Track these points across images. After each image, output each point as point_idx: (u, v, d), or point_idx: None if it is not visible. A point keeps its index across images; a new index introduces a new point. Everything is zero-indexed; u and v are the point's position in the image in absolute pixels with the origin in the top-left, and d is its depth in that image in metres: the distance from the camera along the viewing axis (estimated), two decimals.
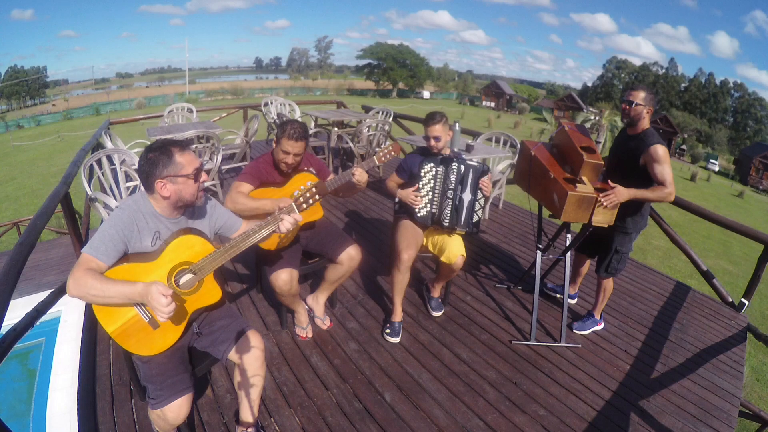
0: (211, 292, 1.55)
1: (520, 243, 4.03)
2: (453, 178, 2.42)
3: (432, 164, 2.44)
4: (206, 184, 4.32)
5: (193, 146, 4.28)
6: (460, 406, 2.08)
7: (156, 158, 1.40)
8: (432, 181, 2.45)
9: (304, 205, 1.62)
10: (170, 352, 1.52)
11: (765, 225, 19.92)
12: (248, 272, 3.14)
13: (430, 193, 2.45)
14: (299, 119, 6.63)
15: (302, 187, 1.63)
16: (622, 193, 2.18)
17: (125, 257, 1.44)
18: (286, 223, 1.56)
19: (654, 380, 2.38)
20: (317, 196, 1.63)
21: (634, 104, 2.26)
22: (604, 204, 2.18)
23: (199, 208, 1.63)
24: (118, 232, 1.39)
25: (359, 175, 2.13)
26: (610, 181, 2.23)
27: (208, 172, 4.40)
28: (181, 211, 1.55)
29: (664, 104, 61.45)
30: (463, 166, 2.41)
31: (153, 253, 1.45)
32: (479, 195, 2.44)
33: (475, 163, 2.44)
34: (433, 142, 2.45)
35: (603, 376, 2.36)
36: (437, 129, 2.42)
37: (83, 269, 1.31)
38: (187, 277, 1.46)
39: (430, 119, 2.44)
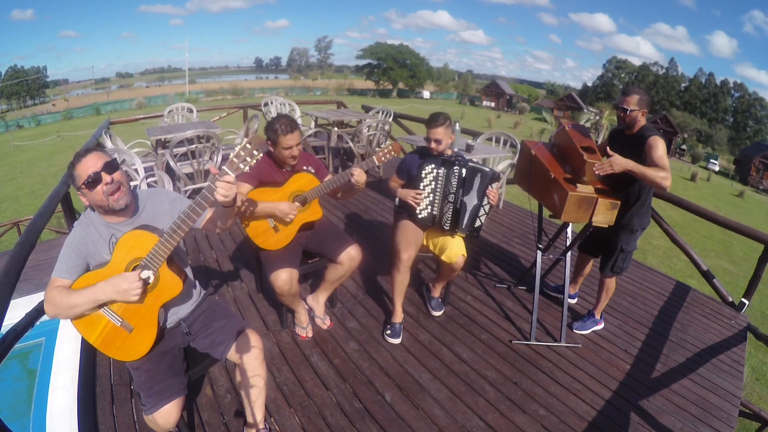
0: (171, 283, 1.50)
1: (520, 243, 4.03)
2: (454, 181, 2.38)
3: (433, 166, 2.40)
4: (206, 184, 4.36)
5: (193, 146, 4.27)
6: (460, 406, 2.07)
7: (68, 174, 1.44)
8: (433, 183, 2.42)
9: (241, 165, 1.39)
10: (157, 358, 1.53)
11: (765, 225, 19.91)
12: (248, 272, 3.14)
13: (431, 195, 2.43)
14: (299, 119, 6.63)
15: (236, 147, 1.41)
16: (619, 163, 2.15)
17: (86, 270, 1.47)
18: (221, 189, 1.38)
19: (654, 380, 2.38)
20: (255, 152, 1.39)
21: (628, 111, 2.27)
22: (597, 171, 2.16)
23: (157, 205, 1.59)
24: (73, 249, 1.44)
25: (358, 175, 2.13)
26: (608, 149, 2.24)
27: (208, 172, 4.40)
28: (125, 215, 1.51)
29: (664, 104, 61.44)
30: (465, 170, 2.35)
31: (107, 260, 1.46)
32: (485, 201, 2.39)
33: (486, 169, 2.36)
34: (433, 144, 2.41)
35: (603, 376, 2.36)
36: (439, 132, 2.36)
37: (51, 289, 1.39)
38: (144, 273, 1.42)
39: (432, 120, 2.37)
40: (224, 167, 1.39)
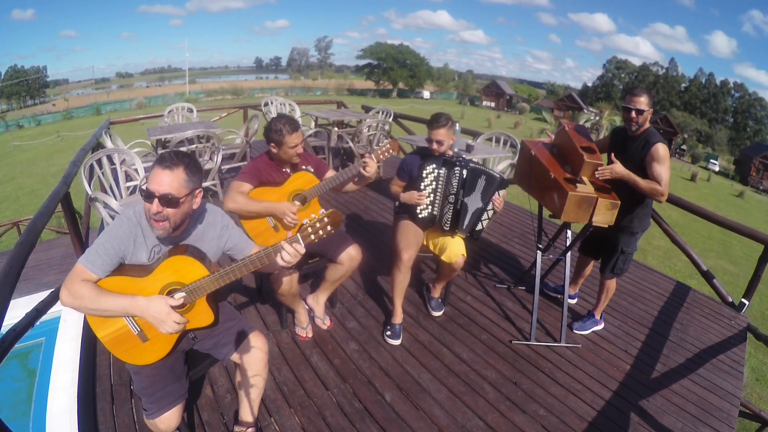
0: (202, 315, 1.48)
1: (520, 243, 4.03)
2: (455, 182, 2.37)
3: (434, 165, 2.39)
4: (206, 184, 4.37)
5: (193, 146, 4.27)
6: (460, 406, 2.08)
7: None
8: (434, 183, 2.41)
9: (312, 237, 1.40)
10: (160, 363, 1.51)
11: (765, 225, 19.91)
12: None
13: (432, 195, 2.43)
14: (299, 119, 6.63)
15: (313, 216, 1.41)
16: (618, 171, 2.21)
17: (119, 268, 1.42)
18: (285, 254, 1.39)
19: (654, 380, 2.38)
20: (329, 227, 1.40)
21: (644, 112, 2.23)
22: (598, 176, 2.22)
23: (208, 227, 1.55)
24: (114, 247, 1.37)
25: (371, 167, 2.13)
26: (613, 155, 2.25)
27: (208, 172, 4.40)
28: (177, 231, 1.45)
29: (664, 104, 61.45)
30: (466, 171, 2.34)
31: (147, 267, 1.41)
32: (491, 206, 2.37)
33: (495, 174, 2.34)
34: (435, 146, 2.40)
35: (603, 376, 2.36)
36: (441, 133, 2.36)
37: (78, 280, 1.31)
38: (178, 295, 1.40)
39: (434, 122, 2.36)
40: (298, 235, 1.39)
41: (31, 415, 1.91)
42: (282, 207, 2.14)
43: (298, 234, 1.40)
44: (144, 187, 1.33)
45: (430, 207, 2.45)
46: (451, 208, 2.40)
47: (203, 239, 1.54)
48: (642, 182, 2.21)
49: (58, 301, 2.07)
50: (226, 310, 1.74)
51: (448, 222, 2.43)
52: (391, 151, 2.22)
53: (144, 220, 1.42)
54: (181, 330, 1.36)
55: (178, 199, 1.33)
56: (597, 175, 2.22)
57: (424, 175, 2.40)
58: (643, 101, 2.23)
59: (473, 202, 2.38)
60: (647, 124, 2.30)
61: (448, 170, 2.39)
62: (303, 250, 1.41)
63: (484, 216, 2.40)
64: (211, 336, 1.65)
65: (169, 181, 1.31)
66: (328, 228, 1.40)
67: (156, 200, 1.31)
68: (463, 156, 2.48)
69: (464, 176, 2.35)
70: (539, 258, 2.67)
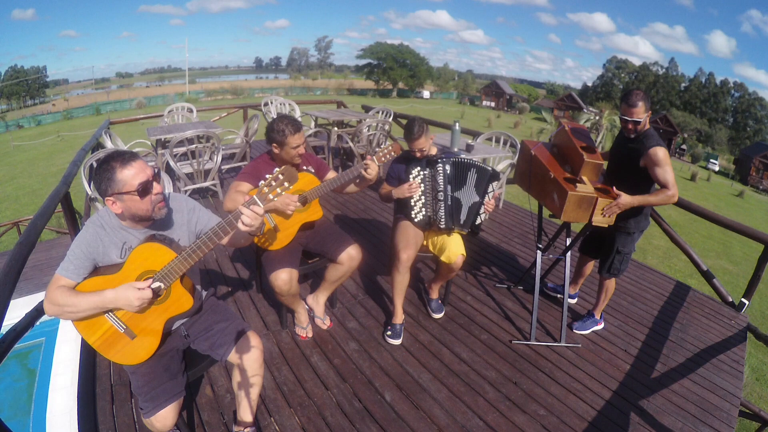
0: (181, 300, 1.50)
1: (520, 243, 4.03)
2: (440, 179, 2.42)
3: (418, 168, 2.45)
4: (206, 184, 4.37)
5: (193, 146, 4.27)
6: (460, 406, 2.08)
7: (100, 176, 1.35)
8: (422, 185, 2.46)
9: (270, 196, 1.35)
10: (153, 361, 1.52)
11: (765, 225, 19.92)
12: (248, 272, 3.14)
13: (423, 197, 2.46)
14: (299, 119, 6.63)
15: (267, 176, 1.38)
16: (625, 202, 2.18)
17: (94, 270, 1.45)
18: (246, 218, 1.35)
19: (654, 380, 2.38)
20: (286, 184, 1.36)
21: (641, 123, 2.21)
22: (607, 215, 2.19)
23: (174, 213, 1.57)
24: (83, 251, 1.40)
25: (373, 169, 2.13)
26: (614, 188, 2.21)
27: (207, 172, 4.40)
28: (147, 223, 1.48)
29: (664, 104, 61.44)
30: (449, 166, 2.40)
31: (119, 264, 1.43)
32: (486, 198, 2.41)
33: (484, 166, 2.37)
34: (418, 154, 2.46)
35: (603, 376, 2.36)
36: (420, 142, 2.42)
37: (54, 288, 1.36)
38: (155, 284, 1.41)
39: (410, 133, 2.40)
40: (254, 196, 1.37)
41: (31, 415, 1.90)
42: (281, 198, 2.12)
43: (255, 196, 1.37)
44: (137, 188, 1.35)
45: (423, 209, 2.47)
46: (442, 205, 2.42)
47: (172, 226, 1.56)
48: (652, 198, 2.21)
49: None
50: (221, 310, 1.74)
51: (442, 219, 2.44)
52: (393, 152, 2.22)
53: (109, 220, 1.46)
54: (148, 296, 1.35)
55: (159, 172, 1.45)
56: (605, 214, 2.18)
57: (411, 179, 2.44)
58: (639, 111, 2.18)
59: (466, 196, 2.42)
60: (647, 125, 2.29)
61: (431, 169, 2.44)
62: (261, 211, 1.38)
63: (482, 210, 2.43)
64: (206, 337, 1.66)
65: (145, 164, 1.40)
66: (285, 185, 1.37)
67: (154, 182, 1.39)
68: (449, 152, 2.51)
69: (448, 171, 2.40)
70: (539, 258, 2.67)
